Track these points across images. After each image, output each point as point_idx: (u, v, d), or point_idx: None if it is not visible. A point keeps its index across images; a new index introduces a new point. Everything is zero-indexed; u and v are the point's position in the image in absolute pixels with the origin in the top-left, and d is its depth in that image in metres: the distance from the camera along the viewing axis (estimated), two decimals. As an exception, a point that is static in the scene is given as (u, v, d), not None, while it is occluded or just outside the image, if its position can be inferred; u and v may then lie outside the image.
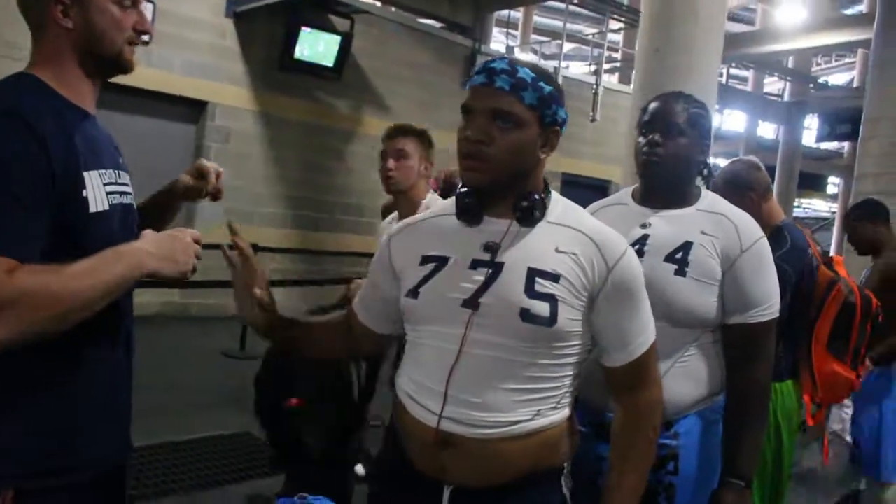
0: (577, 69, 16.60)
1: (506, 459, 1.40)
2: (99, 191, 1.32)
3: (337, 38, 8.56)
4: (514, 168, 1.41)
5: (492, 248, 1.43)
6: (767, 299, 1.83)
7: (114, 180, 1.38)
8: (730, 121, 21.27)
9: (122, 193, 1.41)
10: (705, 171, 1.97)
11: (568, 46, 18.62)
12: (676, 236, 1.85)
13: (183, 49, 7.76)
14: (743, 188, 2.67)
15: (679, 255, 1.82)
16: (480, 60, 9.20)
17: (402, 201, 2.85)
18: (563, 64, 10.70)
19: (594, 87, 10.51)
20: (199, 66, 7.92)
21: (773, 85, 22.60)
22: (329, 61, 8.61)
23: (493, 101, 1.38)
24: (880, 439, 3.53)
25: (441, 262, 1.46)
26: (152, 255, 1.30)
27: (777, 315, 1.86)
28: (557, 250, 1.42)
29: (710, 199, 1.93)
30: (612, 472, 1.52)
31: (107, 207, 1.34)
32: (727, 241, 1.82)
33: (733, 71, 19.36)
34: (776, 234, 2.55)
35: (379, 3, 10.16)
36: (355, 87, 9.19)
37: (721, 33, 4.68)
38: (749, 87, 19.87)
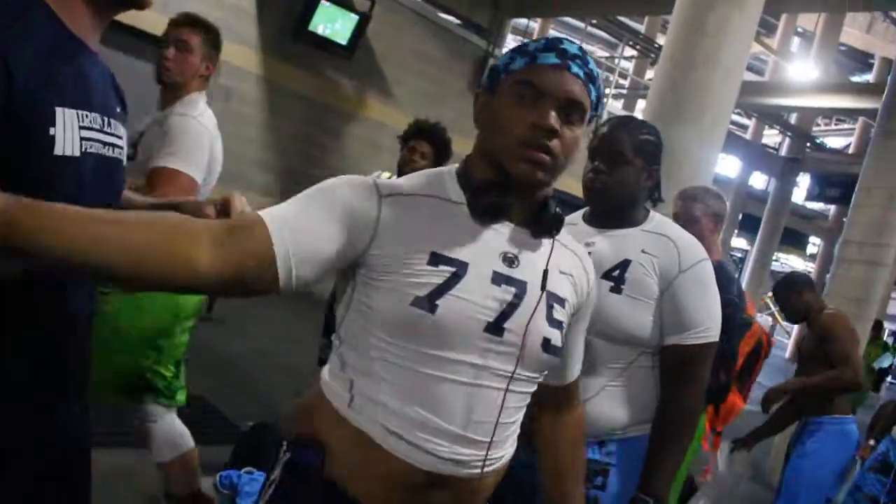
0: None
1: (484, 494, 1.29)
2: (71, 132, 1.16)
3: (355, 17, 8.49)
4: (562, 170, 1.24)
5: (511, 261, 1.24)
6: (704, 322, 1.83)
7: (97, 126, 1.23)
8: (723, 165, 21.45)
9: (105, 144, 1.26)
10: (655, 195, 1.98)
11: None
12: (616, 254, 1.85)
13: (199, 1, 7.65)
14: (698, 208, 2.82)
15: (616, 273, 1.83)
16: (492, 63, 9.30)
17: (168, 96, 2.59)
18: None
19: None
20: (212, 21, 7.82)
21: (771, 137, 22.82)
22: (343, 39, 8.53)
23: (567, 87, 1.20)
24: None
25: (460, 269, 1.18)
26: None
27: (715, 340, 1.85)
28: (560, 271, 1.31)
29: (657, 221, 1.93)
30: (563, 484, 1.51)
31: (76, 154, 1.17)
32: (666, 261, 1.82)
33: (735, 117, 19.51)
34: (720, 269, 2.56)
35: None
36: (364, 69, 9.13)
37: (738, 82, 4.70)
38: (749, 136, 20.03)
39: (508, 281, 1.22)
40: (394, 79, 9.48)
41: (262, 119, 8.55)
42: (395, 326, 1.17)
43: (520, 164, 1.19)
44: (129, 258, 1.01)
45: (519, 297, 1.21)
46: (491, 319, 1.19)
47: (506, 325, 1.20)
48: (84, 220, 0.99)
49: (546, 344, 1.25)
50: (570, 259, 1.35)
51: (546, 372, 1.31)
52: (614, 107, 14.30)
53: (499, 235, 1.24)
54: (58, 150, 1.13)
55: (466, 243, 1.21)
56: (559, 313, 1.28)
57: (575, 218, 2.01)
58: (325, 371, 1.30)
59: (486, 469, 1.24)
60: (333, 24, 8.41)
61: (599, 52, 18.54)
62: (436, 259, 1.18)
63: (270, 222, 1.12)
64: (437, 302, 1.15)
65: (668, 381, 1.86)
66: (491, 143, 1.24)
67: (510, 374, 1.22)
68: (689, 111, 4.42)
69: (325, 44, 8.49)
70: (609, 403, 1.84)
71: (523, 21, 15.72)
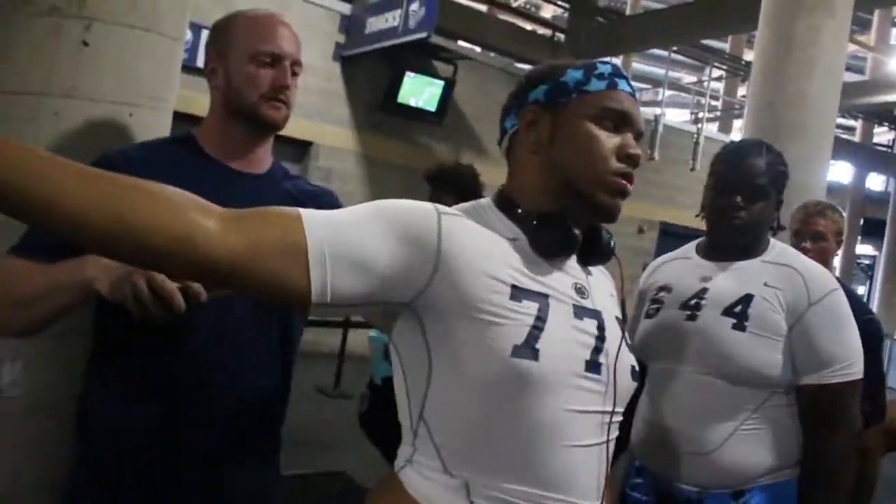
0: (674, 116, 16.37)
1: None
2: None
3: (440, 84, 8.69)
4: None
5: (582, 292, 1.13)
6: (845, 357, 1.67)
7: None
8: (834, 171, 20.55)
9: None
10: (775, 224, 1.85)
11: (666, 93, 18.46)
12: (737, 289, 1.73)
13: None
14: (822, 224, 2.60)
15: (738, 309, 1.69)
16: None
17: None
18: (662, 111, 10.56)
19: (695, 136, 10.33)
20: (306, 108, 8.16)
21: (882, 135, 21.74)
22: (431, 106, 8.73)
23: (640, 116, 1.16)
24: None
25: (543, 304, 1.05)
26: (95, 266, 1.21)
27: (860, 377, 1.69)
28: (611, 294, 1.24)
29: (777, 250, 1.80)
30: None
31: None
32: (793, 294, 1.69)
33: (840, 121, 18.73)
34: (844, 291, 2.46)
35: (479, 49, 10.28)
36: (456, 131, 9.29)
37: (838, 89, 4.55)
38: (857, 138, 19.16)
39: (587, 312, 1.11)
40: (485, 135, 9.59)
41: (363, 193, 8.79)
42: (496, 383, 1.02)
43: (614, 194, 1.11)
44: (111, 214, 0.86)
45: (601, 329, 1.12)
46: (587, 357, 1.08)
47: (600, 360, 1.09)
48: (59, 164, 0.86)
49: (633, 371, 1.17)
50: (602, 277, 1.26)
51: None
52: (710, 130, 14.01)
53: (561, 265, 1.14)
54: None
55: (538, 276, 1.08)
56: (627, 338, 1.19)
57: (688, 251, 1.92)
58: (413, 475, 1.08)
59: None
60: (421, 94, 8.62)
61: (687, 78, 18.24)
62: (518, 293, 1.04)
63: (305, 214, 0.99)
64: (537, 346, 1.02)
65: (810, 426, 1.70)
66: (575, 168, 1.12)
67: (610, 414, 1.11)
68: (790, 126, 4.30)
69: (416, 113, 8.70)
70: (743, 449, 1.67)
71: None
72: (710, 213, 1.82)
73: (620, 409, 1.14)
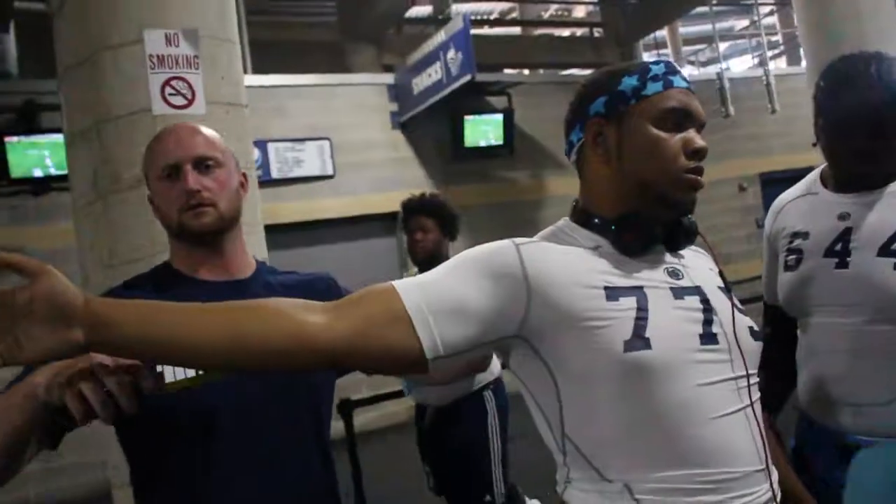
0: (740, 66, 15.94)
1: None
2: None
3: (499, 117, 8.80)
4: None
5: (676, 274, 1.19)
6: None
7: None
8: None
9: None
10: None
11: (723, 46, 17.94)
12: (886, 223, 1.57)
13: (364, 170, 8.28)
14: None
15: (895, 246, 1.54)
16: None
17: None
18: (724, 65, 10.33)
19: (764, 78, 10.03)
20: (382, 182, 8.41)
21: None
22: (498, 139, 8.83)
23: (699, 107, 1.20)
24: None
25: (640, 295, 1.11)
26: (43, 371, 1.12)
27: None
28: (710, 269, 1.27)
29: None
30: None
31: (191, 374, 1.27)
32: None
33: None
34: None
35: (527, 71, 10.38)
36: (526, 154, 9.35)
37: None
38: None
39: (687, 290, 1.16)
40: (557, 149, 9.60)
41: (456, 245, 8.92)
42: (619, 381, 1.07)
43: (688, 190, 1.17)
44: (231, 335, 0.98)
45: (706, 301, 1.16)
46: (700, 331, 1.12)
47: (714, 330, 1.13)
48: (172, 310, 0.99)
49: (752, 332, 1.20)
50: (700, 256, 1.31)
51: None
52: (779, 67, 13.59)
53: (652, 257, 1.19)
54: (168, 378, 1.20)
55: (627, 273, 1.15)
56: (736, 301, 1.23)
57: (813, 185, 1.76)
58: (574, 492, 1.15)
59: (778, 498, 1.14)
60: (485, 132, 8.76)
61: (740, 24, 17.75)
62: (613, 293, 1.10)
63: (397, 283, 1.10)
64: (646, 335, 1.07)
65: None
66: (647, 173, 1.17)
67: (745, 378, 1.14)
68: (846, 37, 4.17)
69: (487, 151, 8.81)
70: None
71: (650, 37, 15.55)
72: (833, 149, 1.64)
73: (753, 370, 1.17)
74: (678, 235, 1.21)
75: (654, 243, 1.18)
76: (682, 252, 1.25)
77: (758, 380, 1.20)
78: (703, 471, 1.06)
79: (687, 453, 1.07)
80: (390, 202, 8.48)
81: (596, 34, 10.94)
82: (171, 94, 1.85)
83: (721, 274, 1.27)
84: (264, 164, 7.54)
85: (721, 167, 9.55)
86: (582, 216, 1.23)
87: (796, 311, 1.69)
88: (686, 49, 17.45)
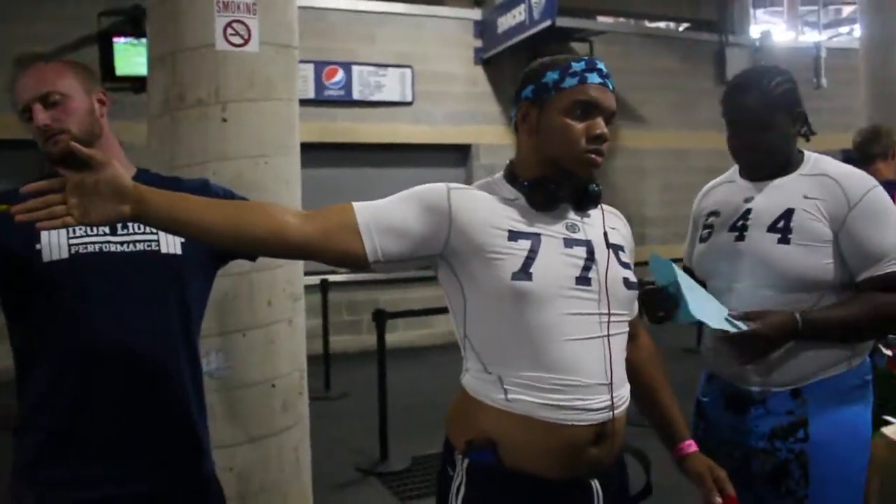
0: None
1: (624, 430, 1.50)
2: (57, 241, 1.53)
3: (580, 63, 8.90)
4: None
5: (574, 228, 1.49)
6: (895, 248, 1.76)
7: (89, 232, 1.57)
8: None
9: (104, 243, 1.58)
10: (803, 130, 1.93)
11: (848, 10, 16.87)
12: (778, 205, 1.84)
13: (443, 102, 8.61)
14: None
15: (781, 224, 1.81)
16: (730, 53, 8.83)
17: None
18: (823, 35, 10.05)
19: (816, 50, 9.73)
20: (460, 114, 8.72)
21: None
22: (575, 86, 8.95)
23: (610, 102, 1.48)
24: None
25: (535, 240, 1.43)
26: None
27: None
28: (611, 227, 1.54)
29: (813, 161, 1.89)
30: (660, 397, 1.70)
31: (65, 256, 1.54)
32: (833, 201, 1.79)
33: None
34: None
35: (611, 20, 10.34)
36: (606, 105, 9.44)
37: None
38: None
39: (577, 242, 1.47)
40: (637, 102, 9.66)
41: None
42: (505, 300, 1.41)
43: (587, 167, 1.47)
44: (230, 222, 1.35)
45: (591, 253, 1.47)
46: (577, 274, 1.44)
47: (590, 276, 1.45)
48: (192, 199, 1.36)
49: (627, 282, 1.51)
50: (613, 217, 1.60)
51: (631, 308, 1.57)
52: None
53: (557, 213, 1.49)
54: (46, 258, 1.52)
55: (533, 222, 1.46)
56: (623, 257, 1.55)
57: (732, 174, 2.04)
58: (468, 377, 1.52)
59: (624, 406, 1.48)
60: (564, 77, 8.87)
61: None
62: (514, 235, 1.43)
63: (355, 204, 1.45)
64: (531, 270, 1.40)
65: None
66: (553, 151, 1.48)
67: (607, 315, 1.46)
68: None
69: (563, 96, 8.96)
70: (796, 349, 1.80)
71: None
72: (732, 154, 1.95)
73: (618, 310, 1.49)
74: (583, 199, 1.52)
75: (559, 202, 1.49)
76: (591, 213, 1.55)
77: (625, 324, 1.52)
78: (556, 376, 1.41)
79: (545, 361, 1.41)
80: (465, 134, 8.83)
81: (694, -11, 10.78)
82: (231, 35, 2.25)
83: (606, 235, 1.53)
84: (346, 86, 7.97)
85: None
86: (509, 174, 1.55)
87: (703, 276, 2.00)
88: (803, 9, 16.78)
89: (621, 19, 10.50)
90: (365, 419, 4.81)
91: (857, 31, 16.55)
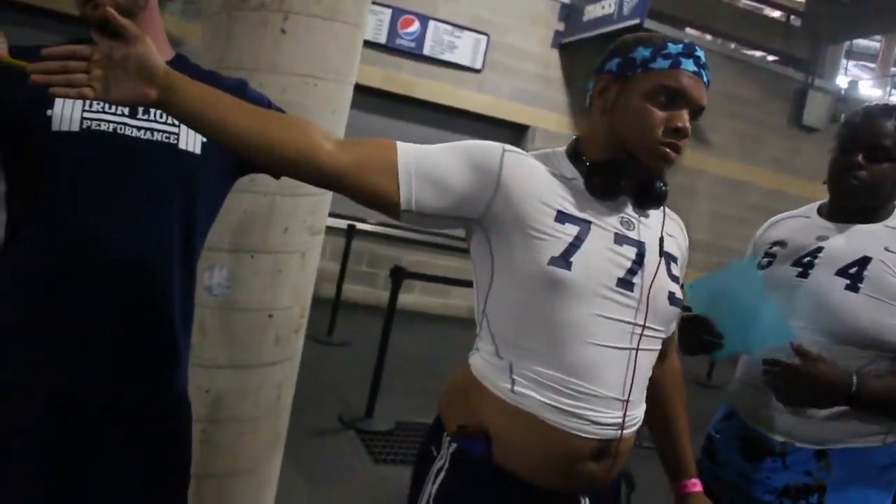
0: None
1: (628, 453, 1.40)
2: (70, 112, 1.42)
3: (656, 70, 8.69)
4: None
5: (629, 224, 1.37)
6: None
7: (113, 111, 1.45)
8: None
9: (120, 124, 1.45)
10: None
11: None
12: (855, 250, 1.72)
13: (511, 77, 8.43)
14: None
15: (853, 270, 1.69)
16: (811, 96, 8.56)
17: None
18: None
19: None
20: (525, 93, 8.55)
21: None
22: (646, 93, 8.74)
23: (701, 95, 1.33)
24: None
25: (584, 228, 1.30)
26: None
27: None
28: (668, 234, 1.42)
29: None
30: (675, 427, 1.63)
31: (76, 129, 1.42)
32: None
33: None
34: None
35: (698, 34, 10.03)
36: (673, 117, 9.24)
37: None
38: None
39: (629, 241, 1.34)
40: (706, 124, 9.43)
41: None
42: (536, 285, 1.28)
43: (658, 160, 1.32)
44: (261, 133, 1.21)
45: (640, 256, 1.34)
46: (620, 275, 1.30)
47: (634, 281, 1.32)
48: (225, 98, 1.22)
49: (671, 297, 1.38)
50: (673, 224, 1.48)
51: (669, 326, 1.43)
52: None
53: (614, 204, 1.36)
54: (55, 127, 1.41)
55: (586, 208, 1.33)
56: (675, 269, 1.42)
57: (808, 211, 1.92)
58: (476, 358, 1.39)
59: (634, 427, 1.37)
60: (636, 80, 8.67)
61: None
62: (562, 217, 1.30)
63: (399, 143, 1.30)
64: (571, 259, 1.27)
65: None
66: (625, 135, 1.34)
67: (641, 327, 1.33)
68: None
69: (630, 99, 8.76)
70: (835, 409, 1.65)
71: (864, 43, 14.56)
72: (831, 173, 1.80)
73: (655, 325, 1.36)
74: (646, 195, 1.38)
75: (618, 193, 1.34)
76: (651, 213, 1.41)
77: (659, 341, 1.39)
78: (571, 379, 1.29)
79: (563, 361, 1.29)
80: (525, 114, 8.65)
81: (792, 21, 10.43)
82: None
83: (661, 241, 1.40)
84: (419, 39, 7.81)
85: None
86: (572, 150, 1.41)
87: None
88: (895, 69, 16.30)
89: (709, 37, 10.18)
90: (359, 372, 4.75)
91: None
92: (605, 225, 1.33)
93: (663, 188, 1.39)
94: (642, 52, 1.34)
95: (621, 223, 1.35)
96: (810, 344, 1.66)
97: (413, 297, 7.82)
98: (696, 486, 1.59)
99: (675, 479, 1.61)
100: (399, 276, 4.42)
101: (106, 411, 1.48)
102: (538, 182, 1.32)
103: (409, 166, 1.27)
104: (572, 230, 1.29)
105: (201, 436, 2.21)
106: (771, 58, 10.47)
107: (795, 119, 9.65)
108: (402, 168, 1.27)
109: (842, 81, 10.96)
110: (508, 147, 1.35)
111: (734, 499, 1.78)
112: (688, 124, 1.31)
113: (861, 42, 14.32)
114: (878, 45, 16.03)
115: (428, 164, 1.29)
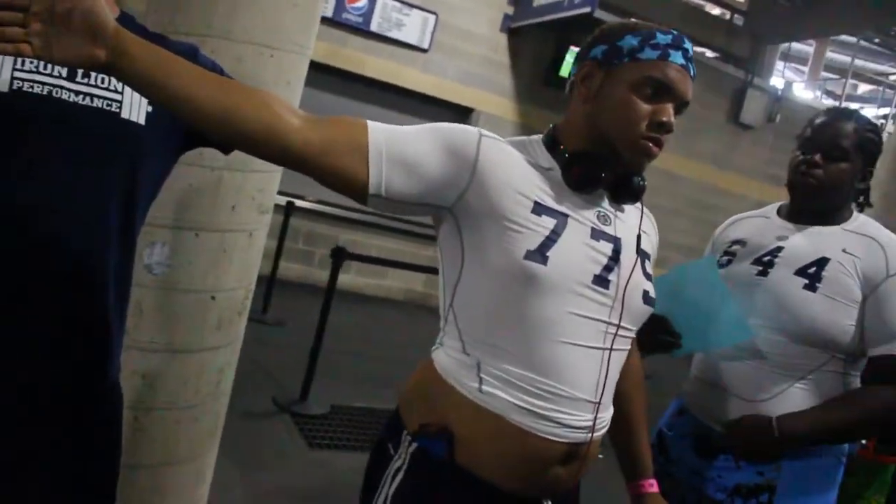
0: (869, 114, 15.32)
1: (594, 456, 1.36)
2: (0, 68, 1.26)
3: (603, 60, 8.70)
4: None
5: (606, 219, 1.32)
6: None
7: (48, 72, 1.30)
8: None
9: (56, 87, 1.30)
10: (861, 199, 1.83)
11: (864, 88, 16.95)
12: (813, 251, 1.73)
13: (458, 58, 8.33)
14: None
15: (812, 270, 1.70)
16: (750, 94, 8.73)
17: None
18: (855, 106, 10.01)
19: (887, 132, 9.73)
20: (470, 76, 8.46)
21: None
22: (593, 81, 8.76)
23: (687, 89, 1.28)
24: None
25: (561, 221, 1.24)
26: None
27: None
28: (643, 231, 1.37)
29: (861, 221, 1.79)
30: (636, 429, 1.57)
31: (4, 90, 1.26)
32: (871, 263, 1.67)
33: None
34: None
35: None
36: (616, 108, 9.29)
37: None
38: None
39: (605, 236, 1.29)
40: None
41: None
42: (509, 280, 1.21)
43: (640, 154, 1.27)
44: (222, 105, 1.09)
45: (616, 252, 1.29)
46: (597, 272, 1.25)
47: (610, 278, 1.26)
48: (184, 65, 1.09)
49: (646, 296, 1.33)
50: (647, 222, 1.43)
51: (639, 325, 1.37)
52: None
53: (591, 197, 1.30)
54: None
55: (563, 200, 1.27)
56: (649, 267, 1.38)
57: (768, 211, 1.93)
58: (441, 353, 1.32)
59: (603, 430, 1.33)
60: (582, 68, 8.68)
61: (877, 67, 16.92)
62: (539, 209, 1.23)
63: (370, 123, 1.21)
64: (548, 254, 1.20)
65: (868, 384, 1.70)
66: (607, 126, 1.28)
67: (616, 326, 1.28)
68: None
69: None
70: (789, 406, 1.69)
71: (795, 46, 14.92)
72: (791, 173, 1.82)
73: (628, 325, 1.31)
74: (624, 190, 1.33)
75: (596, 186, 1.29)
76: (626, 208, 1.36)
77: (629, 341, 1.35)
78: (542, 379, 1.22)
79: (535, 360, 1.23)
80: (470, 97, 8.57)
81: (734, 20, 10.59)
82: None
83: (639, 239, 1.37)
84: (367, 14, 7.64)
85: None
86: (549, 139, 1.35)
87: None
88: (824, 74, 16.75)
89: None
90: (294, 353, 4.61)
91: (867, 110, 16.69)
92: (582, 219, 1.28)
93: (641, 183, 1.33)
94: (630, 41, 1.28)
95: (598, 218, 1.30)
96: (768, 343, 1.70)
97: (349, 278, 7.69)
98: (653, 486, 1.56)
99: (632, 479, 1.57)
100: (340, 256, 4.31)
101: (28, 393, 1.36)
102: (515, 171, 1.26)
103: (380, 149, 1.19)
104: (549, 223, 1.23)
105: (134, 423, 2.08)
106: (711, 55, 10.60)
107: (733, 116, 9.80)
108: (373, 151, 1.18)
109: (777, 83, 11.20)
110: (485, 132, 1.28)
111: (686, 496, 1.78)
112: (672, 119, 1.27)
113: (795, 45, 14.66)
114: (810, 49, 16.48)
115: (400, 147, 1.20)
